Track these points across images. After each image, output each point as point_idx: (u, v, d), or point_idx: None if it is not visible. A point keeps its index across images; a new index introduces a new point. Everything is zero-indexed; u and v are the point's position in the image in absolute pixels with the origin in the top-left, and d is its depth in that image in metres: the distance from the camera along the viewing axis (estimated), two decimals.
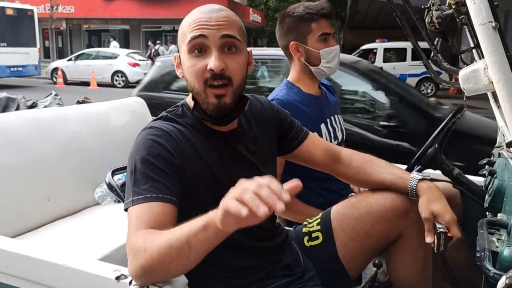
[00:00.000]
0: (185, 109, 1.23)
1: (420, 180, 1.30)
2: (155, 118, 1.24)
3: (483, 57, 0.91)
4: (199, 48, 1.12)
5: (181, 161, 1.11)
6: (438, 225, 1.19)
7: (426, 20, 1.28)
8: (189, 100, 1.25)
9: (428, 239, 1.22)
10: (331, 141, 1.88)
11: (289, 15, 1.84)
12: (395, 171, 1.37)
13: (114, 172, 1.53)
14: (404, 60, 15.02)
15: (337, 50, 1.86)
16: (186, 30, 1.14)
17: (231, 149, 1.23)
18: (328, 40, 1.84)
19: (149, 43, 19.73)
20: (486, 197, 1.54)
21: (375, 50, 15.53)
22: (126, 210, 1.07)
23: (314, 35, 1.81)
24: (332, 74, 1.91)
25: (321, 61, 1.83)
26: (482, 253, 1.02)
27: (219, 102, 1.13)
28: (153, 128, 1.15)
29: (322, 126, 1.87)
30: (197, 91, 1.15)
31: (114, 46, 19.05)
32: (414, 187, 1.29)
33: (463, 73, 0.98)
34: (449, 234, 1.18)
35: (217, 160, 1.19)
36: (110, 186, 1.48)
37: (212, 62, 1.10)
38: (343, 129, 2.02)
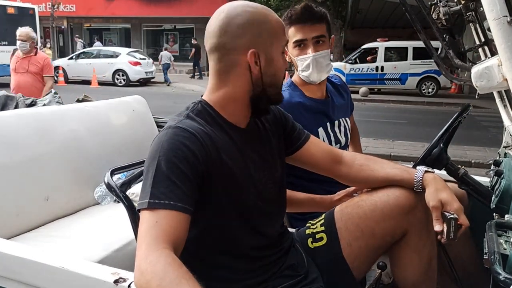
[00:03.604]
0: (204, 105, 1.19)
1: (425, 171, 1.30)
2: (176, 115, 1.19)
3: (496, 53, 0.88)
4: None
5: (205, 167, 1.08)
6: (447, 213, 1.19)
7: (433, 16, 1.25)
8: (212, 101, 1.20)
9: (437, 227, 1.20)
10: (331, 145, 1.84)
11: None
12: (399, 166, 1.38)
13: (113, 172, 1.49)
14: (406, 59, 14.98)
15: (311, 59, 1.72)
16: None
17: (249, 147, 1.22)
18: (305, 47, 1.73)
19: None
20: (493, 198, 1.51)
21: (376, 49, 15.49)
22: (139, 210, 1.03)
23: (290, 42, 1.73)
24: (315, 82, 1.78)
25: (299, 69, 1.77)
26: (492, 257, 0.99)
27: None
28: (179, 128, 1.10)
29: (320, 130, 1.82)
30: None
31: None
32: (421, 178, 1.29)
33: (475, 69, 0.94)
34: (458, 222, 1.17)
35: (237, 158, 1.17)
36: (108, 186, 1.44)
37: None
38: (348, 132, 1.96)
